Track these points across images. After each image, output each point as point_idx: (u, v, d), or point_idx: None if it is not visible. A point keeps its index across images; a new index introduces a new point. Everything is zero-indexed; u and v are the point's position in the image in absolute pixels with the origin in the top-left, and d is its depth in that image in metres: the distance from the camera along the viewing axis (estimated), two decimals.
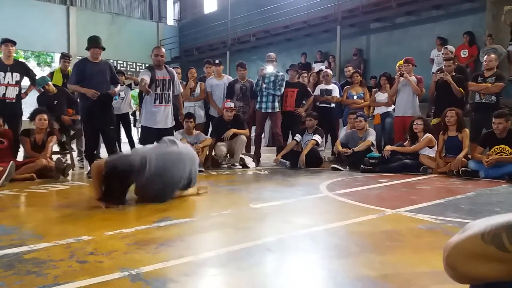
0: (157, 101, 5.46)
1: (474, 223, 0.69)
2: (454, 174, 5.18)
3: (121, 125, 7.08)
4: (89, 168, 5.36)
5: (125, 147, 6.96)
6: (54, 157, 5.64)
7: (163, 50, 5.71)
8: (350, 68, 8.16)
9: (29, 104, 6.53)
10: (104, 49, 5.32)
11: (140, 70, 14.34)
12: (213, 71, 7.12)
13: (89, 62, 5.27)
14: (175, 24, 21.17)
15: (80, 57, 16.62)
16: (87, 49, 5.27)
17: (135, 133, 9.72)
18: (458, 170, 5.15)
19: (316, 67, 11.17)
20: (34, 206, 3.47)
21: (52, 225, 2.72)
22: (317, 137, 6.32)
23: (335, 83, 7.54)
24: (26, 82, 6.20)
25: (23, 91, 6.12)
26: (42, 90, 6.19)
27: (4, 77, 5.69)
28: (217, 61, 7.02)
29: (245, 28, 15.13)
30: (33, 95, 6.46)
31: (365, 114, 6.81)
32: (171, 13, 21.44)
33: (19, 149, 5.72)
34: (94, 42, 5.25)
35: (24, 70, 6.04)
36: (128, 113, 7.45)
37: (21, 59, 11.19)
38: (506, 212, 2.94)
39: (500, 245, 0.62)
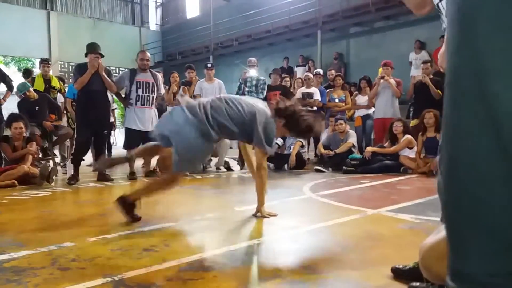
0: (139, 103, 5.46)
1: None
2: (434, 174, 5.28)
3: None
4: (72, 172, 5.29)
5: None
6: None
7: (148, 54, 5.77)
8: (333, 71, 8.26)
9: (11, 110, 6.39)
10: (102, 56, 5.29)
11: None
12: (196, 75, 7.14)
13: None
14: (158, 29, 21.06)
15: (61, 62, 16.59)
16: (86, 55, 5.25)
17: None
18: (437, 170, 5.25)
19: (298, 71, 11.27)
20: (15, 213, 3.41)
21: (33, 232, 2.67)
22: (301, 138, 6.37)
23: (322, 88, 7.63)
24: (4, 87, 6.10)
25: (0, 97, 6.02)
26: (23, 96, 6.11)
27: None
28: (209, 65, 6.97)
29: (227, 32, 15.15)
30: (13, 101, 6.35)
31: (344, 116, 6.89)
32: (154, 18, 21.33)
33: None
34: (91, 48, 5.24)
35: (1, 76, 5.95)
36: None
37: None
38: None
39: None
